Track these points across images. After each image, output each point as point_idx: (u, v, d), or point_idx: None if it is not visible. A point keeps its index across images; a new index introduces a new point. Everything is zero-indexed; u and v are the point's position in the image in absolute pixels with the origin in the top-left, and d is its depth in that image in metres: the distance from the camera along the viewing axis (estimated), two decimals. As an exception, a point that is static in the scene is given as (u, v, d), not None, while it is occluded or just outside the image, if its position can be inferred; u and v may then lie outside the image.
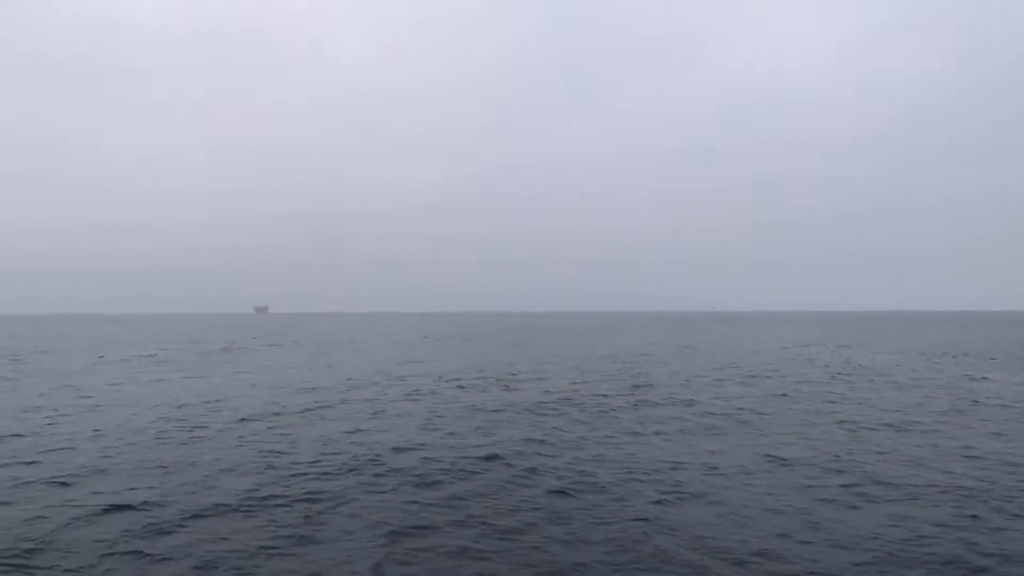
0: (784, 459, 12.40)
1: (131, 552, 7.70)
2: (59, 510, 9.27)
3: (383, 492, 10.18)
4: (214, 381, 27.10)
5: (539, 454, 12.84)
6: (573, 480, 10.85)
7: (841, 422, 16.38)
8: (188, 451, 13.20)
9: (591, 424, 16.14)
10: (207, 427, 15.88)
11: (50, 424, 16.48)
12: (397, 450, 13.12)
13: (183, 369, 33.15)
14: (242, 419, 17.01)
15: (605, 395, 21.54)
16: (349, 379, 27.33)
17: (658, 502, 9.66)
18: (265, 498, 9.84)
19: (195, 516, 9.01)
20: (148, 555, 7.61)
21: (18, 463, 12.21)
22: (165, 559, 7.50)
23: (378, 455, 12.65)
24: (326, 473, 11.32)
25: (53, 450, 13.35)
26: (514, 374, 29.27)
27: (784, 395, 21.50)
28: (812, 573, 7.15)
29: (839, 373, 29.25)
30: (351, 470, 11.53)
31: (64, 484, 10.73)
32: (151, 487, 10.46)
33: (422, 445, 13.62)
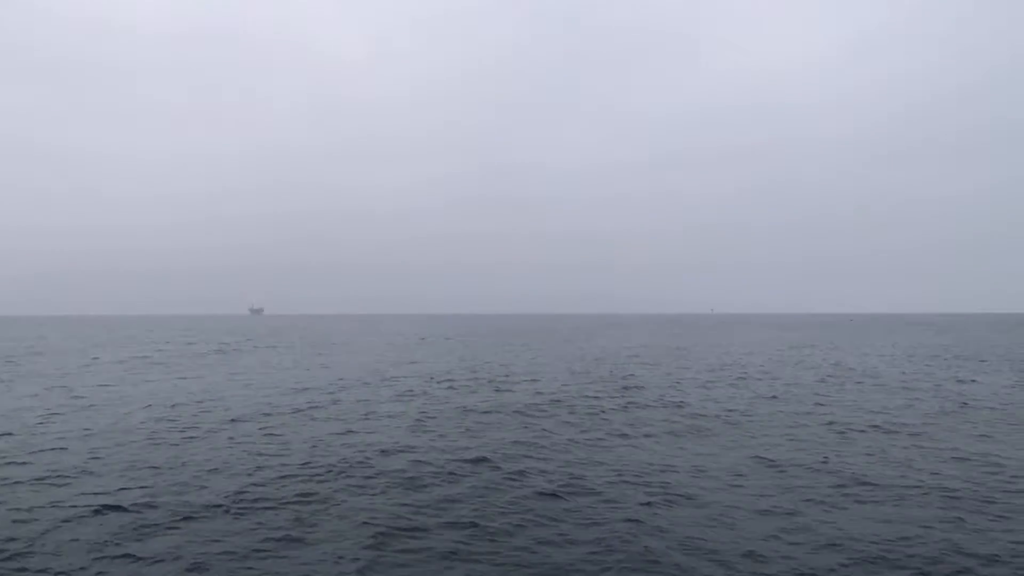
0: (773, 461, 12.48)
1: (121, 553, 7.71)
2: (48, 511, 9.27)
3: (373, 494, 10.21)
4: (207, 382, 27.05)
5: (529, 456, 12.89)
6: (563, 482, 10.90)
7: (830, 424, 16.49)
8: (179, 451, 13.21)
9: (581, 426, 16.20)
10: (198, 427, 15.88)
11: (42, 424, 16.45)
12: (387, 452, 13.15)
13: (176, 370, 33.07)
14: (233, 420, 17.01)
15: (596, 397, 21.61)
16: (341, 380, 27.33)
17: (647, 504, 9.72)
18: (255, 499, 9.86)
19: (185, 517, 9.02)
20: (138, 556, 7.62)
21: (9, 463, 12.19)
22: (155, 560, 7.51)
23: (368, 457, 12.68)
24: (316, 475, 11.34)
25: (44, 450, 13.34)
26: (506, 375, 29.33)
27: (774, 397, 21.62)
28: (799, 574, 7.22)
29: (829, 375, 29.40)
30: (341, 472, 11.55)
31: (54, 484, 10.73)
32: (141, 487, 10.47)
33: (412, 447, 13.65)
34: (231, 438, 14.59)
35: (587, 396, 21.74)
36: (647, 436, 14.95)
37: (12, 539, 8.16)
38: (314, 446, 13.71)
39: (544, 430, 15.55)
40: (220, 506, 9.52)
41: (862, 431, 15.59)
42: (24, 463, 12.26)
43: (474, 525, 8.75)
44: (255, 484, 10.68)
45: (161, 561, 7.50)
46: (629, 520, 8.97)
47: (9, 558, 7.58)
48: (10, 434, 15.05)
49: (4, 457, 12.72)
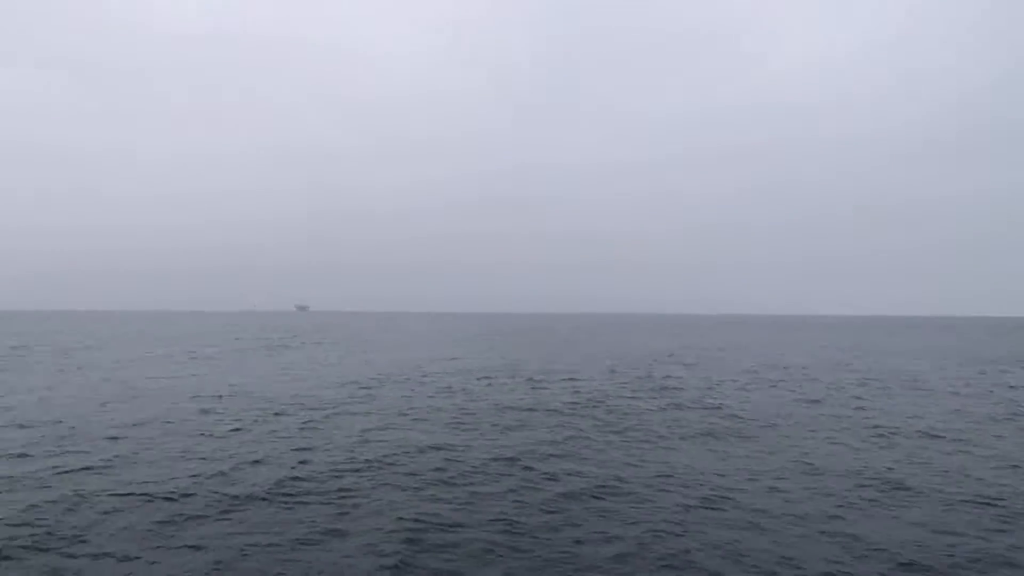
0: (813, 465, 12.26)
1: (167, 541, 8.02)
2: (103, 498, 9.65)
3: (410, 490, 10.37)
4: (252, 376, 27.78)
5: (566, 456, 12.90)
6: (599, 483, 10.90)
7: (874, 428, 16.12)
8: (224, 443, 13.60)
9: (619, 426, 16.14)
10: (242, 420, 16.32)
11: (97, 413, 17.10)
12: (425, 448, 13.31)
13: (223, 364, 34.02)
14: (277, 413, 17.44)
15: (634, 397, 21.50)
16: (383, 375, 27.75)
17: (684, 507, 9.66)
18: (296, 492, 10.11)
19: (229, 508, 9.31)
20: (184, 545, 7.91)
21: (66, 451, 12.72)
22: (199, 548, 7.78)
23: (406, 452, 12.87)
24: (356, 469, 11.56)
25: (99, 439, 13.87)
26: (545, 373, 29.36)
27: (815, 401, 21.19)
28: (834, 582, 7.12)
29: (869, 378, 28.69)
30: (380, 467, 11.76)
31: (108, 472, 11.17)
32: (190, 476, 10.82)
33: (450, 444, 13.80)
34: (274, 431, 14.96)
35: (626, 396, 21.65)
36: (683, 438, 14.82)
37: (68, 525, 8.54)
38: (355, 441, 13.96)
39: (581, 430, 15.55)
40: (262, 498, 9.79)
41: (906, 436, 15.20)
42: (81, 451, 12.78)
43: (509, 523, 8.82)
44: (296, 477, 10.94)
45: (204, 550, 7.76)
46: (666, 522, 8.94)
47: (65, 542, 7.93)
48: (60, 421, 15.69)
49: (62, 446, 13.27)
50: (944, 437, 15.16)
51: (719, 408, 19.21)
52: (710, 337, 73.54)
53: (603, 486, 10.69)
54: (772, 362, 37.69)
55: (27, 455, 12.41)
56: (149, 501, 9.54)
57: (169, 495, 9.80)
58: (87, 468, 11.42)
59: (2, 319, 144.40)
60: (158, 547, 7.82)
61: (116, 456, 12.35)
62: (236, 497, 9.79)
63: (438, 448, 13.32)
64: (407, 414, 17.57)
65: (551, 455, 12.88)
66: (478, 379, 26.73)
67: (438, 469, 11.58)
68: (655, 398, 21.33)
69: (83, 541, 7.98)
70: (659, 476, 11.38)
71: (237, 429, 15.16)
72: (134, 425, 15.55)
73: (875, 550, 8.05)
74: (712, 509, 9.60)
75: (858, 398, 21.93)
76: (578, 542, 8.21)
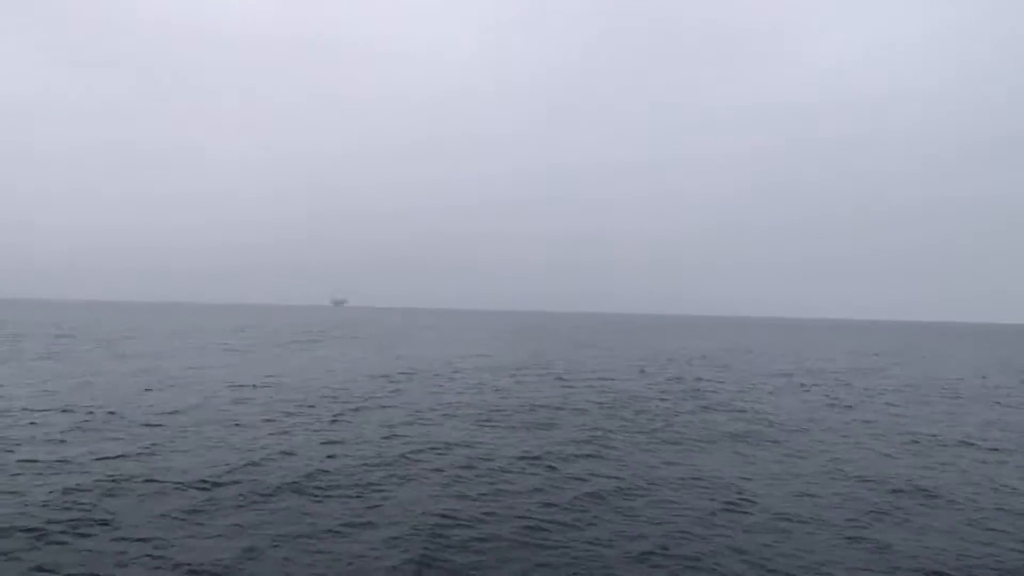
0: (843, 472, 12.04)
1: (196, 529, 8.24)
2: (139, 483, 9.92)
3: (437, 485, 10.46)
4: (286, 368, 28.27)
5: (592, 456, 12.86)
6: (624, 484, 10.85)
7: (906, 435, 15.76)
8: (256, 433, 13.86)
9: (647, 428, 16.01)
10: (274, 411, 16.61)
11: (136, 401, 17.54)
12: (453, 444, 13.41)
13: (259, 357, 34.74)
14: (309, 405, 17.71)
15: (663, 399, 21.34)
16: (414, 371, 28.00)
17: (709, 510, 9.56)
18: (324, 484, 10.27)
19: (259, 497, 9.50)
20: (215, 532, 8.12)
21: (107, 439, 13.07)
22: (230, 536, 7.98)
23: (434, 448, 12.97)
24: (384, 463, 11.69)
25: (139, 425, 14.25)
26: (574, 372, 29.30)
27: (848, 406, 20.78)
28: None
29: (906, 384, 28.02)
30: (408, 461, 11.87)
31: (145, 458, 11.47)
32: (225, 464, 11.05)
33: (478, 441, 13.87)
34: (305, 423, 15.19)
35: (655, 397, 21.50)
36: (712, 441, 14.65)
37: (105, 509, 8.81)
38: (384, 435, 14.10)
39: (609, 430, 15.46)
40: (292, 489, 9.95)
41: (941, 445, 14.82)
42: (120, 438, 13.13)
43: (533, 521, 8.85)
44: (325, 470, 11.09)
45: (236, 537, 7.94)
46: (690, 524, 8.88)
47: (101, 527, 8.18)
48: (101, 408, 16.14)
49: (102, 432, 13.66)
50: (979, 447, 14.76)
51: (750, 412, 18.95)
52: (739, 339, 72.65)
53: (628, 487, 10.64)
54: (805, 365, 37.16)
55: (68, 440, 12.82)
56: (183, 488, 9.77)
57: (203, 483, 10.03)
58: (124, 455, 11.73)
59: (62, 308, 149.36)
60: (191, 535, 8.03)
61: (153, 444, 12.66)
62: (267, 487, 9.98)
63: (466, 445, 13.38)
64: (436, 409, 17.68)
65: (577, 455, 12.85)
66: (507, 376, 26.81)
67: (465, 466, 11.63)
68: (685, 400, 21.13)
69: (119, 526, 8.22)
70: (685, 479, 11.29)
71: (269, 420, 15.43)
72: (171, 413, 15.93)
73: (905, 557, 7.90)
74: (738, 513, 9.49)
75: (892, 404, 21.43)
76: (601, 542, 8.19)
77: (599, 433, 15.01)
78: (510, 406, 18.61)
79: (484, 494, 10.02)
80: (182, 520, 8.46)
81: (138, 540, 7.74)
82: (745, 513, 9.49)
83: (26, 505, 8.77)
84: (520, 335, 68.62)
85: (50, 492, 9.35)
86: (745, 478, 11.45)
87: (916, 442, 14.95)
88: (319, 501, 9.46)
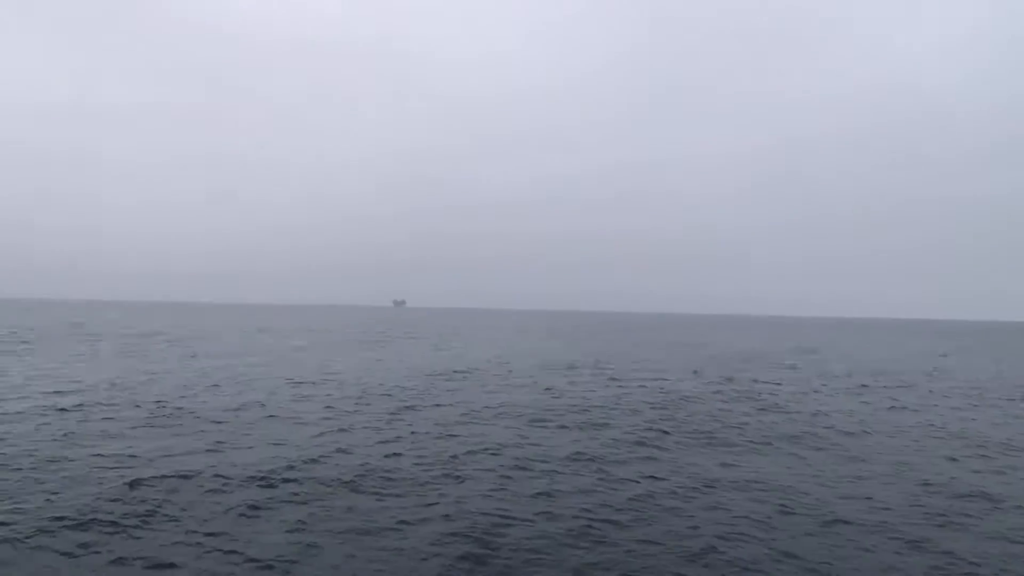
0: (906, 477, 11.65)
1: (258, 524, 8.59)
2: (207, 478, 10.37)
3: (488, 483, 10.59)
4: (347, 367, 29.00)
5: (644, 458, 12.79)
6: (675, 485, 10.77)
7: (973, 439, 15.19)
8: (315, 430, 14.27)
9: (700, 429, 15.79)
10: (334, 409, 17.08)
11: (204, 398, 18.29)
12: (507, 443, 13.55)
13: (321, 356, 35.72)
14: (367, 404, 18.15)
15: (719, 399, 21.05)
16: (471, 370, 28.36)
17: (766, 515, 9.38)
18: (380, 481, 10.53)
19: (318, 493, 9.82)
20: (274, 527, 8.46)
21: (177, 435, 13.68)
22: (285, 530, 8.30)
23: (486, 447, 13.11)
24: (438, 461, 11.90)
25: (207, 420, 14.87)
26: (627, 372, 29.12)
27: (913, 409, 20.04)
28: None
29: (974, 387, 26.86)
30: (461, 460, 12.05)
31: (211, 454, 11.98)
32: (281, 460, 11.42)
33: (531, 440, 13.98)
34: (363, 421, 15.56)
35: (709, 398, 21.21)
36: (768, 443, 14.36)
37: (172, 502, 9.26)
38: (438, 434, 14.33)
39: (663, 432, 15.32)
40: (349, 485, 10.24)
41: (1011, 450, 14.15)
42: (188, 434, 13.74)
43: (583, 522, 8.87)
44: (382, 468, 11.35)
45: (295, 532, 8.25)
46: (747, 527, 8.75)
47: (172, 520, 8.60)
48: (170, 403, 16.89)
49: (170, 428, 14.31)
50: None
51: (807, 413, 18.48)
52: (790, 338, 70.61)
53: (682, 488, 10.56)
54: (865, 366, 35.92)
55: (138, 435, 13.49)
56: (247, 484, 10.16)
57: (265, 479, 10.41)
58: (191, 451, 12.26)
59: (142, 309, 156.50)
60: (256, 530, 8.36)
61: (218, 440, 13.20)
62: (326, 483, 10.29)
63: (519, 444, 13.49)
64: (490, 408, 17.86)
65: (631, 456, 12.80)
66: (560, 375, 26.84)
67: (519, 467, 11.72)
68: (739, 401, 20.75)
69: (188, 519, 8.63)
70: (739, 481, 11.12)
71: (328, 418, 15.87)
72: (236, 409, 16.58)
73: (969, 564, 7.64)
74: (794, 516, 9.31)
75: (958, 408, 20.54)
76: (653, 541, 8.18)
77: (652, 434, 14.90)
78: (563, 406, 18.64)
79: (539, 493, 10.08)
80: (246, 515, 8.81)
81: (207, 534, 8.10)
82: (801, 516, 9.30)
83: (100, 498, 9.28)
84: (573, 334, 68.47)
85: (123, 485, 9.85)
86: (802, 481, 11.20)
87: (983, 446, 14.35)
88: (376, 498, 9.70)
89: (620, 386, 23.69)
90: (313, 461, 11.61)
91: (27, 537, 7.80)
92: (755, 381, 26.63)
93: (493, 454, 12.55)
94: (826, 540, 8.41)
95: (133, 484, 9.88)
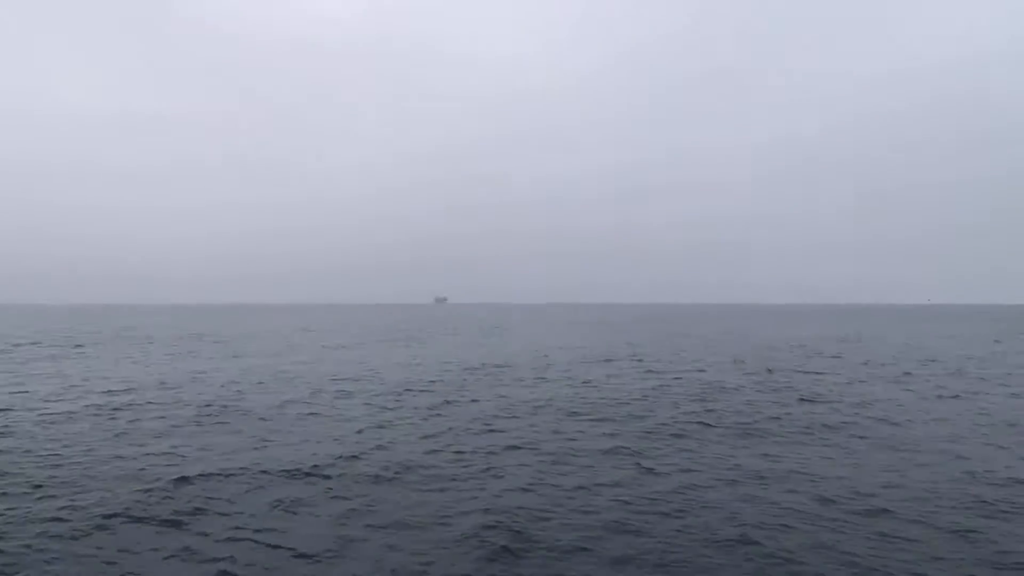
0: (956, 466, 11.37)
1: (302, 519, 8.82)
2: (253, 474, 10.67)
3: (525, 478, 10.67)
4: (389, 364, 29.44)
5: (685, 450, 12.72)
6: (719, 476, 10.70)
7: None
8: (357, 426, 14.56)
9: (739, 421, 15.61)
10: (375, 405, 17.39)
11: (250, 395, 18.77)
12: (544, 436, 13.62)
13: (362, 353, 36.26)
14: (407, 399, 18.38)
15: (759, 390, 20.76)
16: (510, 364, 28.51)
17: (806, 506, 9.27)
18: (420, 475, 10.70)
19: (359, 488, 10.03)
20: (318, 521, 8.68)
21: (226, 432, 14.09)
22: (331, 523, 8.51)
23: (525, 440, 13.21)
24: (476, 456, 12.03)
25: (251, 417, 15.29)
26: (666, 364, 28.92)
27: (961, 397, 19.54)
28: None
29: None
30: (499, 454, 12.17)
31: (250, 450, 12.33)
32: (324, 456, 11.69)
33: (568, 433, 14.01)
34: (404, 416, 15.81)
35: (749, 389, 20.94)
36: (810, 434, 14.14)
37: (220, 497, 9.56)
38: (477, 429, 14.46)
39: (703, 423, 15.20)
40: (390, 480, 10.43)
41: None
42: (234, 431, 14.14)
43: (624, 512, 8.90)
44: (421, 462, 11.54)
45: (338, 526, 8.46)
46: (787, 517, 8.67)
47: (215, 515, 8.89)
48: (216, 402, 17.38)
49: (218, 425, 14.74)
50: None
51: (849, 403, 18.13)
52: (841, 327, 69.02)
53: (721, 479, 10.50)
54: (912, 355, 34.99)
55: (188, 431, 13.95)
56: (291, 479, 10.44)
57: (308, 474, 10.68)
58: (238, 447, 12.63)
59: (193, 312, 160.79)
60: (300, 524, 8.60)
61: (263, 437, 13.56)
62: (367, 478, 10.51)
63: (557, 437, 13.54)
64: (528, 402, 17.96)
65: (669, 448, 12.75)
66: (599, 368, 26.80)
67: (556, 461, 11.77)
68: (779, 391, 20.44)
69: (232, 514, 8.90)
70: (779, 471, 11.00)
71: (370, 414, 16.16)
72: (279, 406, 17.00)
73: (1019, 555, 7.44)
74: (834, 506, 9.18)
75: (1016, 395, 19.91)
76: (690, 532, 8.17)
77: (692, 426, 14.79)
78: (602, 399, 18.63)
79: (578, 487, 10.13)
80: (290, 510, 9.05)
81: (255, 530, 8.35)
82: (843, 507, 9.16)
83: (151, 494, 9.61)
84: (608, 327, 68.16)
85: (172, 481, 10.20)
86: (844, 471, 11.02)
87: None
88: (417, 492, 9.86)
89: (658, 378, 23.55)
90: (354, 457, 11.85)
91: (85, 534, 8.14)
92: (796, 371, 26.21)
93: (531, 448, 12.63)
94: (869, 531, 8.28)
95: (181, 481, 10.22)
